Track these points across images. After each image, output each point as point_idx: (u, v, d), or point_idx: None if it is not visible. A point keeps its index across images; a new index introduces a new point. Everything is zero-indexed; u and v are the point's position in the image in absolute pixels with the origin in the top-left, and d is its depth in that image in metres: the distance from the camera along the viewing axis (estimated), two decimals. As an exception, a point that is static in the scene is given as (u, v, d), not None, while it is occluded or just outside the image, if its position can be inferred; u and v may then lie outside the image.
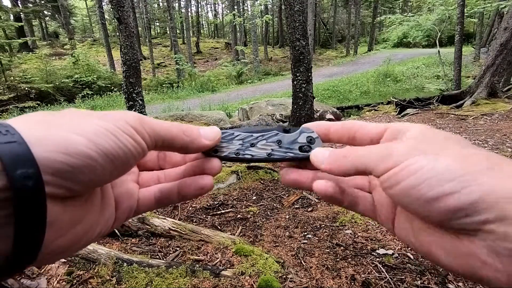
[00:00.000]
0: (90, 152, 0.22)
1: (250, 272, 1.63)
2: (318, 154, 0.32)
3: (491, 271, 0.21)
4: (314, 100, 5.46)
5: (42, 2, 23.23)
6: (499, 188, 0.20)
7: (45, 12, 24.57)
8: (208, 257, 1.81)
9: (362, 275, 1.64)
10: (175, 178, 0.35)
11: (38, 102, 12.79)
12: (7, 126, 0.20)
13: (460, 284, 1.55)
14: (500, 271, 0.20)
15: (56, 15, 23.72)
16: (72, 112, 0.25)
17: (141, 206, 0.33)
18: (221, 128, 0.35)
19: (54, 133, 0.21)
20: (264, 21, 20.26)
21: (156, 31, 36.54)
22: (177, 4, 30.60)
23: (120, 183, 0.32)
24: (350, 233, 2.07)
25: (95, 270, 1.63)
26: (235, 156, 0.34)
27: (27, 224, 0.19)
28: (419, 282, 1.58)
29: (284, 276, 1.65)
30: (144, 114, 4.36)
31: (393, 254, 1.82)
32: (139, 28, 24.16)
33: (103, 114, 0.25)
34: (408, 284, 1.57)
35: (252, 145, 0.34)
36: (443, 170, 0.22)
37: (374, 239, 1.98)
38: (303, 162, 0.35)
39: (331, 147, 0.33)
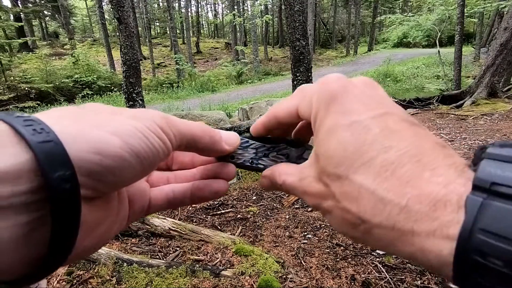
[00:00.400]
0: (124, 154, 0.21)
1: (250, 272, 1.63)
2: (263, 182, 0.33)
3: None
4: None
5: (42, 2, 23.23)
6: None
7: (45, 12, 24.57)
8: (208, 257, 1.81)
9: (362, 275, 1.64)
10: (185, 180, 0.34)
11: (38, 102, 12.78)
12: (41, 123, 0.19)
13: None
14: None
15: (56, 15, 23.72)
16: (99, 107, 0.25)
17: (153, 206, 0.32)
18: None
19: (88, 132, 0.20)
20: (264, 21, 20.26)
21: (156, 31, 36.54)
22: (177, 4, 30.60)
23: None
24: (350, 233, 2.07)
25: (95, 270, 1.63)
26: (249, 164, 0.34)
27: (63, 226, 0.19)
28: (419, 282, 1.58)
29: (284, 276, 1.65)
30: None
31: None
32: (139, 28, 24.15)
33: (133, 113, 0.25)
34: (408, 284, 1.57)
35: (265, 155, 0.34)
36: (338, 228, 0.25)
37: (374, 239, 1.98)
38: None
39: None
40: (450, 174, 0.20)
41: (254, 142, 0.35)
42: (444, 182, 0.19)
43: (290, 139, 0.36)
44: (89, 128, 0.21)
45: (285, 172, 0.30)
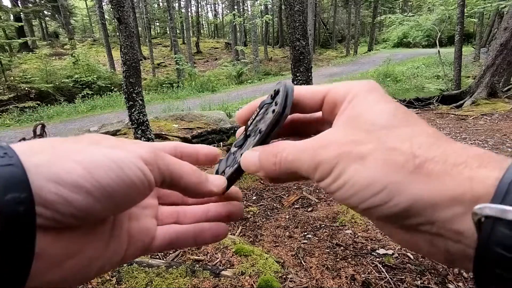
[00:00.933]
0: (84, 184, 0.20)
1: (250, 272, 1.63)
2: (249, 163, 0.29)
3: (437, 256, 0.23)
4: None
5: (42, 2, 23.22)
6: (423, 195, 0.21)
7: (45, 12, 24.57)
8: (208, 257, 1.81)
9: (362, 275, 1.64)
10: (196, 218, 0.33)
11: (38, 102, 12.78)
12: (6, 148, 0.20)
13: (460, 284, 1.55)
14: (441, 258, 0.23)
15: (56, 15, 23.72)
16: (88, 137, 0.24)
17: (155, 247, 0.31)
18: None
19: (53, 160, 0.20)
20: (264, 21, 20.24)
21: (156, 31, 36.54)
22: (177, 4, 30.60)
23: (138, 217, 0.30)
24: (350, 233, 2.07)
25: (95, 270, 1.63)
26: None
27: (13, 252, 0.18)
28: (419, 282, 1.58)
29: (284, 276, 1.65)
30: (144, 114, 4.37)
31: (393, 254, 1.82)
32: (139, 28, 24.15)
33: (119, 144, 0.24)
34: (408, 284, 1.57)
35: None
36: (368, 181, 0.22)
37: (374, 239, 1.98)
38: None
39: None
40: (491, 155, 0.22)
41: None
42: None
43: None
44: (56, 157, 0.20)
45: (285, 144, 0.28)
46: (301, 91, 0.30)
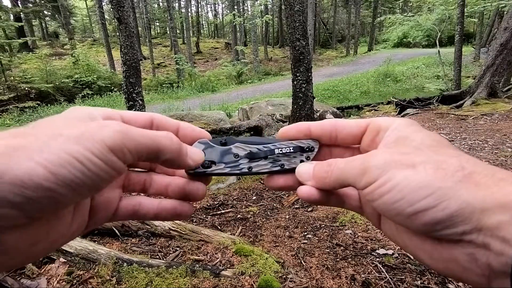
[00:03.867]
0: (49, 185, 0.21)
1: (250, 272, 1.63)
2: (303, 171, 0.32)
3: (471, 275, 0.22)
4: (314, 100, 5.46)
5: (42, 2, 23.21)
6: (472, 200, 0.21)
7: (45, 12, 24.56)
8: (208, 257, 1.81)
9: (362, 275, 1.64)
10: (160, 188, 0.33)
11: (38, 102, 12.78)
12: None
13: (460, 284, 1.55)
14: (479, 275, 0.22)
15: (56, 15, 23.71)
16: (51, 125, 0.24)
17: (118, 215, 0.31)
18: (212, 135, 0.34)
19: (15, 163, 0.20)
20: (264, 21, 20.25)
21: (156, 31, 36.53)
22: (177, 4, 30.59)
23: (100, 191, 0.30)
24: (350, 233, 2.07)
25: (95, 270, 1.63)
26: (225, 172, 0.33)
27: None
28: (419, 282, 1.57)
29: (284, 276, 1.65)
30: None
31: (393, 254, 1.82)
32: (139, 28, 24.15)
33: (79, 133, 0.23)
34: (408, 284, 1.57)
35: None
36: (419, 185, 0.23)
37: (374, 239, 1.98)
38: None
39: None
40: None
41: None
42: None
43: (293, 145, 0.35)
44: (18, 158, 0.21)
45: (338, 158, 0.31)
46: (346, 122, 0.33)
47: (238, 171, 0.33)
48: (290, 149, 0.34)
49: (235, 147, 0.34)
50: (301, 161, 0.34)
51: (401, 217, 0.24)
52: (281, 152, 0.34)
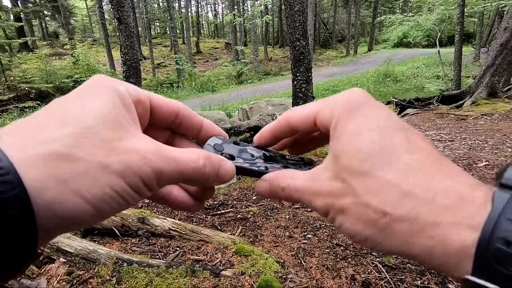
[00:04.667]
0: (90, 220, 0.22)
1: (250, 272, 1.63)
2: (260, 186, 0.31)
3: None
4: (314, 100, 5.46)
5: (42, 2, 23.21)
6: (395, 250, 0.23)
7: (45, 12, 24.56)
8: (208, 257, 1.81)
9: (362, 275, 1.64)
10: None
11: (38, 102, 12.79)
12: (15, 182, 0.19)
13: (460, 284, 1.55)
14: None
15: (56, 15, 23.72)
16: (86, 123, 0.22)
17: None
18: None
19: (60, 199, 0.20)
20: (264, 21, 20.24)
21: (156, 31, 36.54)
22: (177, 4, 30.59)
23: None
24: (350, 233, 2.07)
25: (95, 270, 1.63)
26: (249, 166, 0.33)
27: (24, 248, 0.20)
28: (419, 282, 1.58)
29: (284, 276, 1.65)
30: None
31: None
32: (139, 28, 24.15)
33: (125, 165, 0.22)
34: (408, 284, 1.57)
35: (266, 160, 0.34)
36: (353, 233, 0.24)
37: (374, 239, 1.98)
38: None
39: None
40: (472, 180, 0.21)
41: (248, 146, 0.34)
42: (469, 184, 0.21)
43: (296, 158, 0.35)
44: (63, 195, 0.20)
45: (291, 176, 0.29)
46: (293, 117, 0.30)
47: (256, 168, 0.32)
48: (297, 158, 0.35)
49: (250, 148, 0.34)
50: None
51: (353, 240, 0.26)
52: (291, 158, 0.35)
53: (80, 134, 0.21)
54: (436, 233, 0.20)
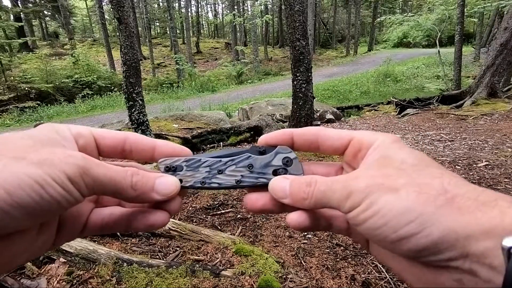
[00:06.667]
0: (4, 206, 0.21)
1: (250, 272, 1.63)
2: (277, 187, 0.30)
3: None
4: (314, 100, 5.46)
5: (42, 2, 23.21)
6: (456, 226, 0.21)
7: (45, 12, 24.56)
8: (208, 257, 1.81)
9: (362, 275, 1.64)
10: (136, 205, 0.33)
11: (38, 102, 12.79)
12: None
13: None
14: None
15: (56, 15, 23.71)
16: (16, 147, 0.24)
17: (88, 230, 0.31)
18: (192, 150, 0.33)
19: None
20: (264, 21, 20.25)
21: (156, 31, 36.54)
22: (177, 4, 30.60)
23: None
24: (350, 233, 2.07)
25: (95, 270, 1.63)
26: (200, 185, 0.32)
27: None
28: (419, 282, 1.57)
29: (284, 276, 1.65)
30: (144, 114, 4.36)
31: (393, 254, 1.82)
32: (139, 28, 24.15)
33: (42, 158, 0.23)
34: (408, 284, 1.57)
35: (220, 171, 0.32)
36: (401, 210, 0.23)
37: (374, 239, 1.98)
38: None
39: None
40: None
41: (208, 159, 0.32)
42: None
43: (255, 147, 0.33)
44: None
45: (316, 176, 0.29)
46: (328, 133, 0.32)
47: (210, 183, 0.32)
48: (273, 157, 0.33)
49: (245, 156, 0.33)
50: (274, 172, 0.32)
51: (386, 242, 0.24)
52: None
53: (13, 146, 0.24)
54: (495, 209, 0.21)
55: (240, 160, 0.32)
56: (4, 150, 0.23)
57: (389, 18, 13.11)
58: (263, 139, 0.34)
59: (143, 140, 0.32)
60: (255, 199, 0.32)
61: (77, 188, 0.24)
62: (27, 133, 0.26)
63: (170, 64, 22.01)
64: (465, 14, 9.33)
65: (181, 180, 0.31)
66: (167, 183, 0.30)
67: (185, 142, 4.87)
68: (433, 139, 4.39)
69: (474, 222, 0.21)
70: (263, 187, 0.32)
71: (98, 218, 0.31)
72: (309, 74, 5.02)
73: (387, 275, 1.63)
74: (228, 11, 27.39)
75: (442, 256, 0.21)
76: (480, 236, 0.20)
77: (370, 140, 0.29)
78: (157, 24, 35.92)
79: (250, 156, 0.32)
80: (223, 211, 2.48)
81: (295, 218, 0.30)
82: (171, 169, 0.32)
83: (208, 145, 5.14)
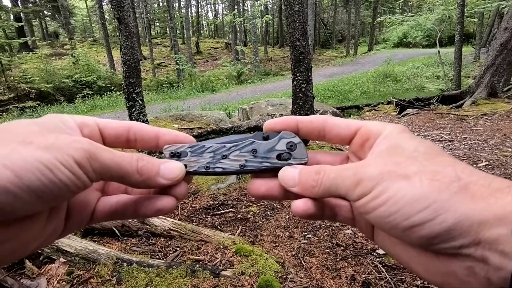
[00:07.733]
0: (13, 189, 0.21)
1: (250, 272, 1.63)
2: (287, 176, 0.30)
3: None
4: (314, 100, 5.46)
5: (42, 2, 23.20)
6: (470, 213, 0.21)
7: (45, 12, 24.55)
8: (208, 257, 1.81)
9: (362, 275, 1.64)
10: (142, 191, 0.33)
11: (38, 102, 12.78)
12: None
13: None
14: None
15: (56, 15, 23.69)
16: (23, 133, 0.24)
17: (96, 218, 0.31)
18: (195, 137, 0.33)
19: None
20: (264, 21, 20.23)
21: (156, 31, 36.52)
22: (177, 4, 30.58)
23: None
24: (350, 233, 2.07)
25: (95, 270, 1.63)
26: (204, 170, 0.32)
27: None
28: (419, 282, 1.57)
29: (284, 276, 1.65)
30: (144, 114, 4.36)
31: (393, 254, 1.82)
32: (139, 28, 24.14)
33: (50, 143, 0.23)
34: (408, 284, 1.57)
35: (224, 156, 0.32)
36: (415, 197, 0.22)
37: (374, 239, 1.98)
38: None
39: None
40: None
41: (212, 145, 0.33)
42: None
43: (259, 132, 0.33)
44: None
45: (325, 165, 0.29)
46: (336, 121, 0.32)
47: (215, 168, 0.33)
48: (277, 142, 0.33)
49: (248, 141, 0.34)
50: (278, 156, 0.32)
51: (397, 230, 0.23)
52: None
53: (20, 131, 0.24)
54: (509, 196, 0.21)
55: (244, 145, 0.32)
56: (11, 135, 0.23)
57: (389, 18, 13.11)
58: (268, 125, 0.34)
59: (147, 128, 0.33)
60: (259, 185, 0.32)
61: (84, 172, 0.24)
62: (33, 120, 0.26)
63: (170, 64, 22.00)
64: (465, 14, 9.33)
65: (185, 166, 0.32)
66: (172, 168, 0.30)
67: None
68: (433, 139, 4.39)
69: (488, 208, 0.21)
70: (267, 172, 0.32)
71: (106, 206, 0.31)
72: (309, 74, 5.02)
73: (387, 275, 1.63)
74: (228, 11, 27.38)
75: (454, 243, 0.21)
76: (494, 223, 0.20)
77: (379, 130, 0.29)
78: (157, 24, 35.91)
79: (254, 141, 0.33)
80: (223, 211, 2.48)
81: (300, 205, 0.30)
82: (176, 155, 0.32)
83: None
